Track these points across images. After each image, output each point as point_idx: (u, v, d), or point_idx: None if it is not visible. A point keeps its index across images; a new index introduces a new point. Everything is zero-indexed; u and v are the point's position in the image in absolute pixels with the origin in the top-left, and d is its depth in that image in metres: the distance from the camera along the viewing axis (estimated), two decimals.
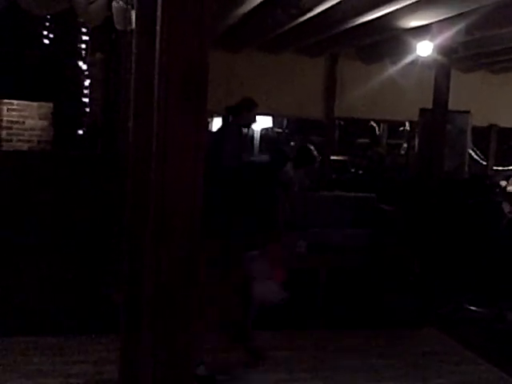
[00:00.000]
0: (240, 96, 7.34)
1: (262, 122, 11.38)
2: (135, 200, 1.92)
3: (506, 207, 6.32)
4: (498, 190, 7.03)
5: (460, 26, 5.21)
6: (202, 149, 1.66)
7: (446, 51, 5.50)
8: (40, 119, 8.12)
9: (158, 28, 1.58)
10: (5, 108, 8.01)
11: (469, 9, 4.77)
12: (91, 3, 5.06)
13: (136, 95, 2.10)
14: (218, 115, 11.74)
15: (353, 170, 9.86)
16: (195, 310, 1.70)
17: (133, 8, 3.53)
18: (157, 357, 1.63)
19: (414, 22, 5.32)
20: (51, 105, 8.21)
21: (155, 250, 1.69)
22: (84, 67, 8.85)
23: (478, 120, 7.88)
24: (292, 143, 12.27)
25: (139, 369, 1.79)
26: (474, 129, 7.96)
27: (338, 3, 4.81)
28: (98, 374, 3.79)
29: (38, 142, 8.12)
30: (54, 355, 4.07)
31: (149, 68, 1.85)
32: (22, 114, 8.16)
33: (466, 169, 7.36)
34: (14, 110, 8.14)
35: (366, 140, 11.88)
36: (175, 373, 1.65)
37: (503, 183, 7.08)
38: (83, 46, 8.71)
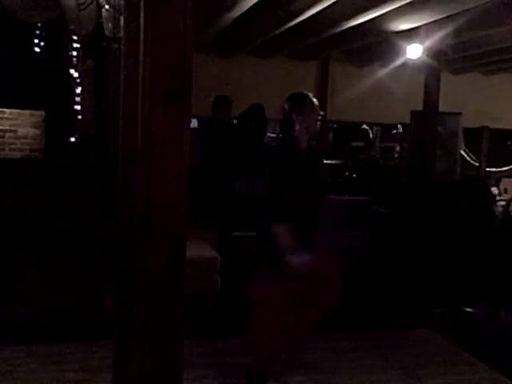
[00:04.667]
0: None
1: None
2: (124, 204, 1.92)
3: (497, 209, 6.35)
4: (490, 191, 7.05)
5: (449, 28, 5.24)
6: (187, 150, 1.67)
7: (436, 53, 5.53)
8: (32, 127, 8.13)
9: (141, 32, 1.59)
10: None
11: (457, 11, 4.80)
12: (82, 11, 5.07)
13: (125, 101, 2.10)
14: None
15: (347, 174, 9.89)
16: (182, 312, 1.71)
17: (121, 15, 3.54)
18: (145, 361, 1.64)
19: (403, 25, 5.35)
20: (43, 113, 8.22)
21: (142, 252, 1.70)
22: (75, 75, 8.84)
23: (470, 121, 7.92)
24: None
25: (130, 374, 1.79)
26: (466, 130, 8.00)
27: (328, 7, 4.83)
28: (92, 381, 3.78)
29: (31, 150, 8.13)
30: (49, 363, 4.06)
31: (137, 74, 1.86)
32: (14, 122, 8.17)
33: (458, 170, 7.39)
34: (5, 118, 8.15)
35: (360, 143, 11.90)
36: (163, 377, 1.65)
37: (495, 190, 7.08)
38: (74, 53, 8.71)
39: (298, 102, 3.75)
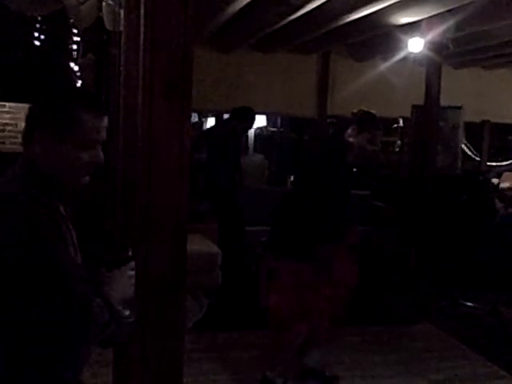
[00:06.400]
0: (232, 96, 7.37)
1: (256, 122, 11.36)
2: (125, 199, 1.92)
3: (498, 204, 6.34)
4: (491, 185, 7.04)
5: (451, 21, 5.21)
6: (187, 147, 1.66)
7: (437, 47, 5.50)
8: None
9: (141, 25, 1.58)
10: None
11: (459, 4, 4.77)
12: (82, 4, 5.04)
13: (125, 95, 2.09)
14: (212, 115, 11.76)
15: None
16: (183, 308, 1.70)
17: (122, 8, 3.52)
18: (146, 356, 1.63)
19: (404, 19, 5.32)
20: None
21: (143, 247, 1.69)
22: (75, 68, 8.81)
23: (471, 116, 7.89)
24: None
25: (131, 371, 1.79)
26: (467, 125, 7.98)
27: (329, 0, 4.80)
28: (92, 377, 3.78)
29: None
30: None
31: (137, 67, 1.85)
32: (15, 116, 8.13)
33: (459, 165, 7.37)
34: (6, 112, 8.12)
35: None
36: (165, 373, 1.65)
37: (495, 181, 7.07)
38: (74, 47, 8.68)
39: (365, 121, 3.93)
